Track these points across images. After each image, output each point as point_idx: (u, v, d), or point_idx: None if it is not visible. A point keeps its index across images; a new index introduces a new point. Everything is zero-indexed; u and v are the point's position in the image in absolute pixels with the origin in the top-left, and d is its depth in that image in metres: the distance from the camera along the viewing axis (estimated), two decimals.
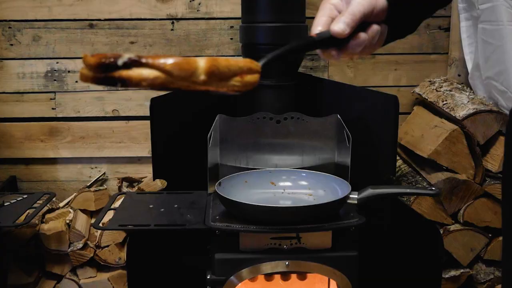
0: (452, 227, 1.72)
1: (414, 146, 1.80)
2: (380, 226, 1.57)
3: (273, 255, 1.33)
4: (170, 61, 0.56)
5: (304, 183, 1.55)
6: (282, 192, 1.53)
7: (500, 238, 1.75)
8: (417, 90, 1.95)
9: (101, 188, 1.94)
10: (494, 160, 1.69)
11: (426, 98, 1.87)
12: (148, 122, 1.91)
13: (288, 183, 1.56)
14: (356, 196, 1.35)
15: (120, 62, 0.55)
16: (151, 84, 0.55)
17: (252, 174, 1.57)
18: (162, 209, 1.49)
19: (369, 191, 1.35)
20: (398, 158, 1.91)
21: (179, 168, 1.70)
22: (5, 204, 1.55)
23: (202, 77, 0.58)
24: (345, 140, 1.51)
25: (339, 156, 1.60)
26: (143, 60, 0.55)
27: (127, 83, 0.55)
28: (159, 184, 1.85)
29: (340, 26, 0.71)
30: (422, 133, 1.79)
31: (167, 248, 1.58)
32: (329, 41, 0.73)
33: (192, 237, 1.48)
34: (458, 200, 1.69)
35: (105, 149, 2.02)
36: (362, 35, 0.73)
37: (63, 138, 2.01)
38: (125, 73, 0.55)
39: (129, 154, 2.03)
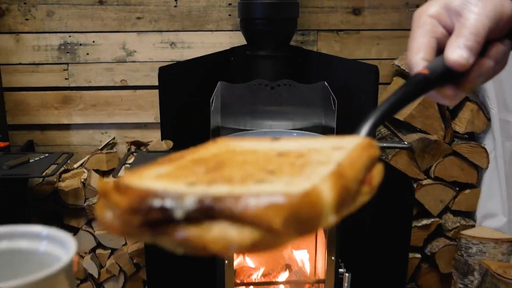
0: (424, 182, 1.97)
1: None
2: None
3: None
4: (281, 212, 0.29)
5: None
6: None
7: (466, 190, 2.01)
8: (396, 62, 2.18)
9: (111, 151, 2.16)
10: (461, 123, 1.94)
11: (404, 69, 2.11)
12: (153, 91, 2.15)
13: None
14: None
15: (179, 213, 0.30)
16: (249, 252, 0.31)
17: (250, 134, 1.80)
18: None
19: None
20: None
21: (184, 131, 1.92)
22: (30, 160, 1.76)
23: (332, 218, 0.32)
24: (331, 105, 1.74)
25: (325, 119, 1.83)
26: (225, 210, 0.30)
27: (197, 251, 0.31)
28: (165, 146, 2.07)
29: (461, 54, 0.50)
30: None
31: None
32: (444, 76, 0.52)
33: None
34: (430, 157, 1.93)
35: (114, 116, 2.23)
36: (486, 62, 0.53)
37: (75, 106, 2.21)
38: (194, 234, 0.30)
39: (136, 120, 2.24)
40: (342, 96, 1.74)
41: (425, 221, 2.00)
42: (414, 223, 1.97)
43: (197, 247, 0.31)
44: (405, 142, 1.60)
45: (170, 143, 1.96)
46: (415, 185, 1.93)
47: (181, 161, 0.39)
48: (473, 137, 2.03)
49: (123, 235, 0.33)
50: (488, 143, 1.98)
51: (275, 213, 0.29)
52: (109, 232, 0.34)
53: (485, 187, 2.01)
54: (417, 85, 0.51)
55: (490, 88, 1.87)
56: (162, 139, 1.89)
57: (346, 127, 1.78)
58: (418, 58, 0.53)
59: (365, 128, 0.48)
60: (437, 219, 2.01)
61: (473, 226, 2.03)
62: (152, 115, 2.22)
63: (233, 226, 0.30)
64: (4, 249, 0.47)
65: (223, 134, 1.81)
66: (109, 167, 2.10)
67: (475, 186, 2.02)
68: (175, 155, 0.41)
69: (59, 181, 2.03)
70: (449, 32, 0.54)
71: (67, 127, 2.24)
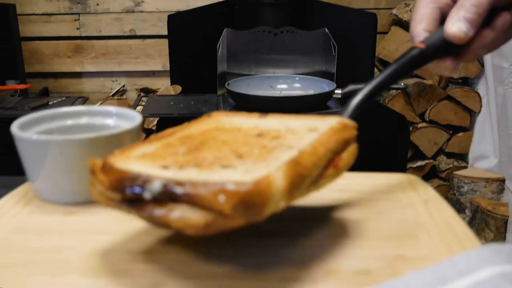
0: (419, 125, 2.09)
1: (390, 58, 2.14)
2: (359, 117, 1.92)
3: None
4: (229, 198, 0.34)
5: (297, 85, 1.89)
6: (279, 93, 1.87)
7: (460, 133, 2.13)
8: (394, 11, 2.27)
9: (122, 97, 2.28)
10: None
11: (402, 18, 2.20)
12: (161, 40, 2.25)
13: (284, 85, 1.90)
14: (340, 91, 1.70)
15: (147, 195, 0.36)
16: (203, 233, 0.35)
17: (254, 78, 1.90)
18: (181, 105, 1.84)
19: (350, 87, 1.70)
20: (376, 70, 2.25)
21: (192, 77, 2.03)
22: (49, 103, 1.88)
23: (282, 204, 0.37)
24: (331, 51, 1.84)
25: (326, 65, 1.94)
26: (184, 196, 0.35)
27: (162, 227, 0.39)
28: (173, 91, 2.18)
29: (460, 27, 0.50)
30: (397, 47, 2.13)
31: None
32: (443, 49, 0.52)
33: None
34: (425, 102, 2.05)
35: (124, 64, 2.34)
36: (489, 34, 0.52)
37: (87, 54, 2.32)
38: (158, 215, 0.36)
39: (145, 68, 2.35)
40: (341, 43, 1.84)
41: (419, 163, 2.12)
42: (409, 165, 2.10)
43: (162, 224, 0.37)
44: (402, 84, 1.71)
45: (179, 88, 2.07)
46: (410, 128, 2.05)
47: (170, 138, 0.47)
48: (467, 82, 2.14)
49: (107, 207, 0.40)
50: (481, 88, 2.09)
51: (225, 200, 0.34)
52: (98, 202, 0.41)
53: (478, 130, 2.12)
54: (412, 60, 0.52)
55: None
56: (171, 84, 2.00)
57: (345, 74, 1.89)
58: (419, 29, 0.53)
59: (354, 103, 0.51)
60: (431, 160, 2.13)
61: (466, 167, 2.16)
62: (160, 63, 2.32)
63: (191, 209, 0.35)
64: (84, 124, 0.59)
65: (229, 79, 1.92)
66: None
67: (468, 129, 2.14)
68: (168, 131, 0.50)
69: None
70: (454, 1, 0.53)
71: (79, 75, 2.35)
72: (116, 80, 2.38)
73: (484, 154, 2.11)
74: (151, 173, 0.38)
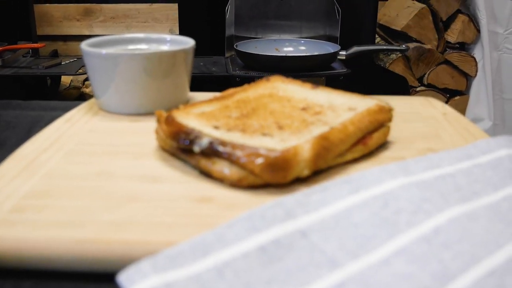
0: (418, 88, 2.16)
1: (390, 23, 2.21)
2: (363, 78, 2.00)
3: None
4: (259, 161, 0.40)
5: (302, 48, 1.95)
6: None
7: (456, 97, 2.20)
8: None
9: None
10: (453, 34, 2.12)
11: None
12: (168, 4, 2.29)
13: (290, 48, 1.96)
14: (344, 53, 1.77)
15: (196, 148, 0.44)
16: (236, 185, 0.42)
17: (261, 41, 1.96)
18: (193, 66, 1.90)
19: (354, 49, 1.77)
20: (377, 36, 2.32)
21: (200, 40, 2.08)
22: (62, 63, 1.93)
23: (306, 172, 0.42)
24: (335, 15, 1.90)
25: (330, 29, 2.00)
26: (225, 154, 0.42)
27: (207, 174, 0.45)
28: None
29: None
30: (397, 13, 2.19)
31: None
32: None
33: (217, 84, 1.89)
34: (424, 66, 2.12)
35: (132, 28, 2.38)
36: None
37: (96, 18, 2.36)
38: (203, 164, 0.44)
39: (153, 32, 2.39)
40: (344, 8, 1.90)
41: None
42: None
43: (206, 172, 0.44)
44: (403, 46, 1.78)
45: None
46: (410, 91, 2.12)
47: (229, 100, 0.54)
48: (464, 47, 2.21)
49: (167, 151, 0.48)
50: (477, 52, 2.16)
51: (256, 162, 0.41)
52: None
53: (473, 94, 2.20)
54: None
55: (480, 1, 2.04)
56: None
57: (348, 38, 1.95)
58: None
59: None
60: None
61: None
62: (167, 27, 2.37)
63: (230, 165, 0.42)
64: (143, 48, 0.67)
65: (236, 42, 1.98)
66: None
67: (464, 93, 2.22)
68: (229, 91, 0.57)
69: (84, 86, 2.21)
70: None
71: (88, 38, 2.38)
72: None
73: (479, 117, 2.19)
74: (203, 130, 0.45)
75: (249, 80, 1.73)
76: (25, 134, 0.63)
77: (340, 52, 1.77)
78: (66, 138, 0.53)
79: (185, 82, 0.62)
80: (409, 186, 0.38)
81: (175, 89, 0.61)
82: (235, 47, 1.82)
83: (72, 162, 0.47)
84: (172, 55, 0.59)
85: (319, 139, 0.44)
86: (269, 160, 0.41)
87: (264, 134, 0.45)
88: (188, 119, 0.48)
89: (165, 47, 0.66)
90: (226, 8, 1.88)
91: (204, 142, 0.44)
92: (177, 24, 2.01)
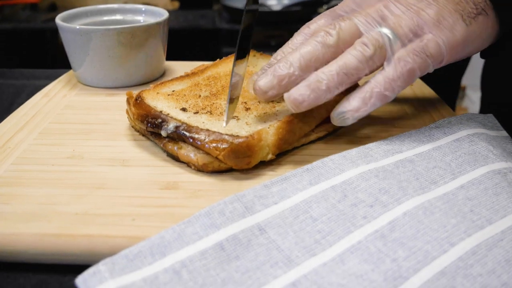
0: None
1: None
2: None
3: (264, 48, 1.70)
4: (223, 147, 0.37)
5: (286, 1, 1.88)
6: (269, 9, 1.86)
7: None
8: None
9: None
10: None
11: None
12: None
13: (273, 2, 1.89)
14: (326, 7, 1.70)
15: (163, 133, 0.40)
16: (201, 170, 0.39)
17: None
18: (181, 19, 1.83)
19: (336, 1, 1.70)
20: None
21: None
22: None
23: (270, 156, 0.39)
24: None
25: None
26: (190, 139, 0.39)
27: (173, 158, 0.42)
28: (172, 6, 2.15)
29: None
30: None
31: (181, 49, 1.93)
32: None
33: (204, 38, 1.82)
34: None
35: None
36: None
37: None
38: (170, 148, 0.41)
39: None
40: None
41: None
42: None
43: (173, 155, 0.41)
44: None
45: (177, 4, 2.05)
46: None
47: (199, 77, 0.49)
48: None
49: (138, 131, 0.45)
50: None
51: (220, 148, 0.37)
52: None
53: None
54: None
55: None
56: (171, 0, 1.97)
57: None
58: None
59: None
60: None
61: None
62: None
63: (195, 150, 0.39)
64: (118, 19, 0.61)
65: None
66: None
67: None
68: (200, 67, 0.52)
69: None
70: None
71: None
72: None
73: None
74: (171, 113, 0.42)
75: (236, 34, 1.66)
76: (8, 106, 0.59)
77: (323, 6, 1.70)
78: (42, 116, 0.49)
79: (161, 54, 0.58)
80: (369, 174, 0.35)
81: (151, 61, 0.57)
82: (221, 1, 1.74)
83: (45, 143, 0.44)
84: (146, 28, 0.54)
85: (283, 123, 0.40)
86: (232, 147, 0.37)
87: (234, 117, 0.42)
88: (157, 100, 0.44)
89: (139, 18, 0.61)
90: None
91: (171, 127, 0.40)
92: None
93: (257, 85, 0.40)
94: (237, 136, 0.38)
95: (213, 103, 0.44)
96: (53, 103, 0.52)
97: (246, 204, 0.32)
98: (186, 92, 0.46)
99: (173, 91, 0.46)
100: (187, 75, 0.50)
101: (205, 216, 0.31)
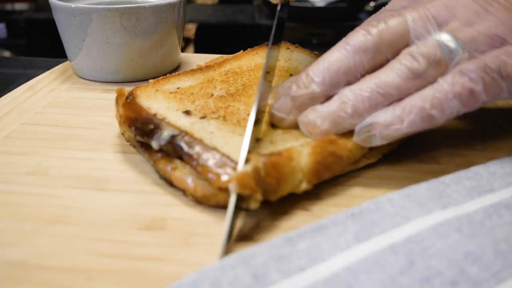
0: None
1: None
2: None
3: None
4: (236, 178, 0.24)
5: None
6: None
7: None
8: None
9: None
10: None
11: None
12: None
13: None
14: (373, 4, 1.56)
15: (154, 144, 0.29)
16: (201, 202, 0.27)
17: None
18: (219, 13, 1.73)
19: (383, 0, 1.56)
20: None
21: None
22: None
23: (304, 186, 0.27)
24: None
25: None
26: (187, 157, 0.27)
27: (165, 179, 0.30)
28: (210, 1, 2.06)
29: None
30: None
31: (218, 44, 1.83)
32: None
33: (242, 33, 1.71)
34: None
35: None
36: None
37: None
38: (162, 168, 0.29)
39: None
40: None
41: None
42: None
43: (165, 177, 0.29)
44: None
45: None
46: None
47: (216, 71, 0.38)
48: None
49: (128, 141, 0.34)
50: None
51: (230, 178, 0.25)
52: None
53: None
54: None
55: None
56: None
57: None
58: None
59: None
60: None
61: None
62: None
63: (194, 173, 0.27)
64: (125, 1, 0.50)
65: None
66: None
67: None
68: (219, 59, 0.40)
69: None
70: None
71: None
72: None
73: None
74: (168, 117, 0.30)
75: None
76: None
77: (370, 4, 1.57)
78: (16, 115, 0.38)
79: (174, 43, 0.47)
80: (448, 228, 0.23)
81: (160, 51, 0.46)
82: None
83: (7, 151, 0.33)
84: (155, 10, 0.43)
85: (323, 142, 0.28)
86: (247, 177, 0.25)
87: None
88: (154, 99, 0.33)
89: (152, 0, 0.50)
90: None
91: (164, 136, 0.29)
92: None
93: (272, 110, 0.31)
94: (257, 161, 0.26)
95: (229, 106, 0.32)
96: (36, 98, 0.42)
97: (256, 270, 0.21)
98: (195, 90, 0.35)
99: (178, 88, 0.35)
100: (199, 69, 0.38)
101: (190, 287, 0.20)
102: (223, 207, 0.27)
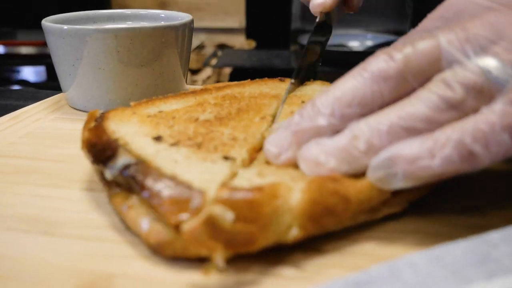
0: None
1: None
2: None
3: None
4: (197, 219, 0.19)
5: (369, 42, 1.70)
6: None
7: None
8: None
9: (200, 52, 2.16)
10: None
11: None
12: None
13: (355, 43, 1.72)
14: None
15: (107, 174, 0.24)
16: (158, 252, 0.21)
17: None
18: (255, 58, 1.70)
19: None
20: None
21: (266, 33, 1.88)
22: None
23: (294, 233, 0.20)
24: (405, 8, 1.63)
25: (399, 24, 1.73)
26: (141, 189, 0.22)
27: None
28: (247, 46, 2.04)
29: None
30: None
31: None
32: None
33: (277, 76, 1.67)
34: None
35: (203, 20, 2.21)
36: None
37: (171, 9, 2.20)
38: (117, 205, 0.23)
39: (223, 25, 2.21)
40: (418, 2, 1.63)
41: None
42: None
43: (121, 218, 0.24)
44: None
45: (253, 43, 1.93)
46: None
47: (212, 94, 0.33)
48: None
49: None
50: None
51: (188, 218, 0.19)
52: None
53: None
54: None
55: None
56: (247, 38, 1.86)
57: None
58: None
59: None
60: None
61: None
62: (237, 20, 2.17)
63: (149, 213, 0.22)
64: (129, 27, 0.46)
65: (302, 35, 1.76)
66: (198, 66, 2.10)
67: None
68: (224, 83, 0.36)
69: None
70: None
71: None
72: (196, 36, 2.25)
73: None
74: (132, 143, 0.24)
75: None
76: None
77: None
78: None
79: (176, 72, 0.42)
80: None
81: (160, 80, 0.41)
82: (298, 39, 1.60)
83: None
84: (154, 32, 0.38)
85: (323, 178, 0.22)
86: (214, 218, 0.18)
87: (226, 158, 0.24)
88: (127, 123, 0.27)
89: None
90: (293, 1, 1.66)
91: (119, 164, 0.23)
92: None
93: (266, 145, 0.25)
94: (226, 197, 0.19)
95: (212, 132, 0.26)
96: (16, 128, 0.37)
97: None
98: (179, 114, 0.29)
99: (160, 111, 0.29)
100: (192, 92, 0.33)
101: None
102: (185, 259, 0.20)
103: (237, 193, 0.19)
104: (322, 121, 0.24)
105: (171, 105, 0.30)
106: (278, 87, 0.36)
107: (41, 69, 1.86)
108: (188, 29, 0.42)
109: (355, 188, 0.22)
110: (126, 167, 0.22)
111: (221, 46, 2.21)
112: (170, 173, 0.21)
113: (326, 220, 0.21)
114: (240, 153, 0.24)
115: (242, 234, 0.19)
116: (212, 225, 0.18)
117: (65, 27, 0.38)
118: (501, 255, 0.18)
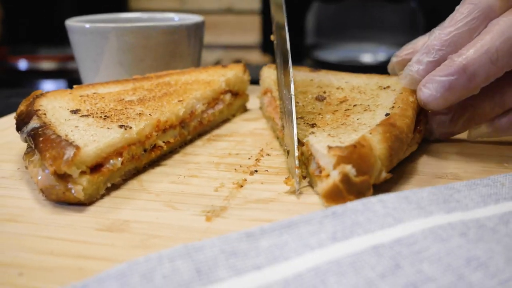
0: None
1: None
2: None
3: None
4: (68, 154, 0.24)
5: (382, 54, 1.73)
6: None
7: None
8: None
9: None
10: None
11: None
12: (255, 16, 2.15)
13: (368, 56, 1.75)
14: None
15: (21, 137, 0.28)
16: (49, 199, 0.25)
17: (340, 50, 1.77)
18: None
19: None
20: None
21: None
22: None
23: (383, 174, 0.25)
24: (418, 23, 1.66)
25: (411, 38, 1.76)
26: (35, 146, 0.26)
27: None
28: (262, 61, 2.09)
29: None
30: None
31: None
32: None
33: None
34: None
35: (220, 37, 2.26)
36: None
37: None
38: (26, 163, 0.27)
39: (240, 42, 2.26)
40: (429, 17, 1.66)
41: None
42: None
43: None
44: None
45: (268, 59, 1.97)
46: None
47: (150, 81, 0.37)
48: None
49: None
50: None
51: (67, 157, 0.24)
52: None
53: None
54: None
55: None
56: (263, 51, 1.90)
57: None
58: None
59: None
60: None
61: None
62: (254, 38, 2.22)
63: (41, 166, 0.25)
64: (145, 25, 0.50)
65: (316, 51, 1.80)
66: None
67: None
68: (163, 72, 0.40)
69: None
70: None
71: None
72: (215, 52, 2.31)
73: None
74: (48, 113, 0.29)
75: None
76: None
77: None
78: None
79: (188, 66, 0.45)
80: (450, 232, 0.19)
81: None
82: (313, 56, 1.64)
83: None
84: (170, 30, 0.42)
85: (388, 126, 0.26)
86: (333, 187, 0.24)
87: (121, 126, 0.28)
88: (58, 100, 0.32)
89: None
90: (307, 17, 1.70)
91: (29, 128, 0.27)
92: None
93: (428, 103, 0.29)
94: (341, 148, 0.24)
95: (126, 108, 0.31)
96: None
97: (200, 265, 0.17)
98: (110, 96, 0.34)
99: (95, 93, 0.34)
100: (134, 78, 0.38)
101: (116, 279, 0.16)
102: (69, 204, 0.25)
103: (349, 150, 0.23)
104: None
105: (109, 88, 0.35)
106: (216, 73, 0.40)
107: (62, 83, 1.92)
108: (199, 28, 0.45)
109: (403, 131, 0.27)
110: (33, 130, 0.27)
111: (238, 62, 2.26)
112: (62, 134, 0.26)
113: (394, 160, 0.26)
114: (138, 124, 0.28)
115: (364, 183, 0.23)
116: (347, 182, 0.23)
117: (87, 25, 0.42)
118: (462, 197, 0.21)
